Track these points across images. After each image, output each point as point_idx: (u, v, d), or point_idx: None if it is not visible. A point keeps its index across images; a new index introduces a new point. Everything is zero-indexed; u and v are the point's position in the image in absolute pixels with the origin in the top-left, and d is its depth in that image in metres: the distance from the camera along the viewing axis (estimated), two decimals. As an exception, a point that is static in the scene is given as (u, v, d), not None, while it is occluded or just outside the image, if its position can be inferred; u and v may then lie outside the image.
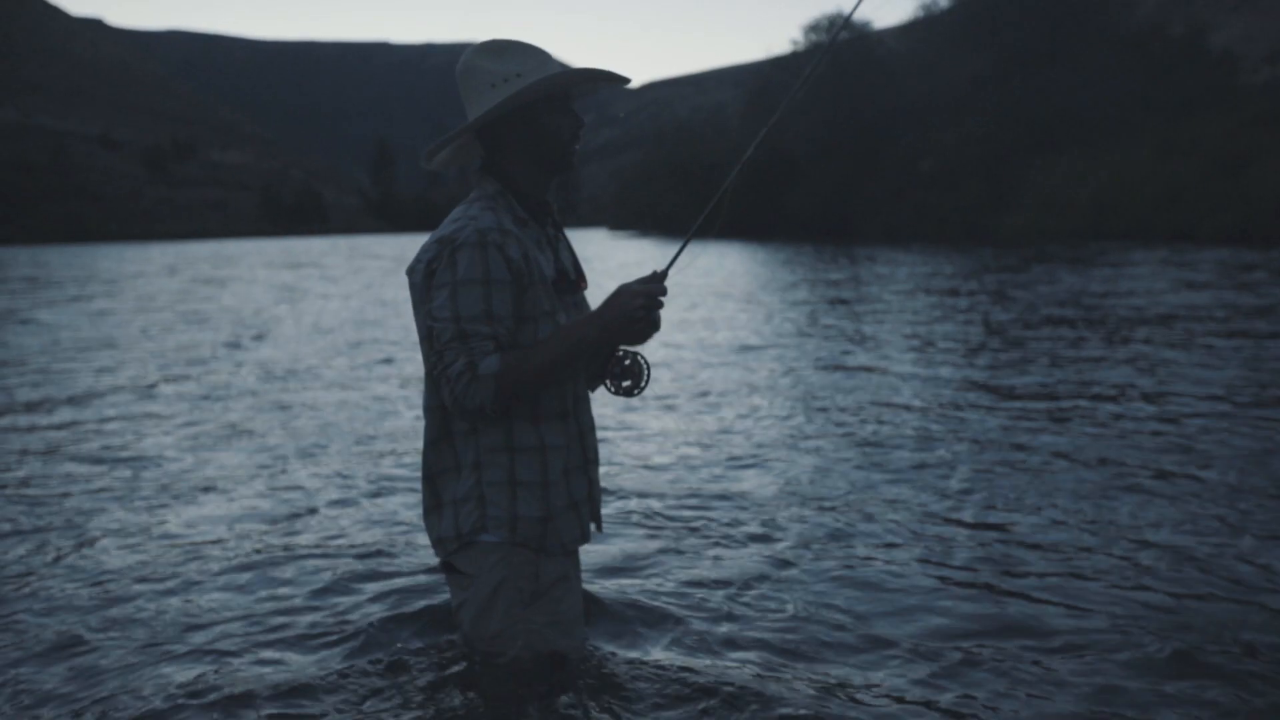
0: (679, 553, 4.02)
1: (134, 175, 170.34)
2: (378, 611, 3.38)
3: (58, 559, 4.09)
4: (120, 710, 2.75)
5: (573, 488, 2.46)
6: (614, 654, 2.98)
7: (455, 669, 2.74)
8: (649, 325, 2.35)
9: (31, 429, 6.89)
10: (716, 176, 61.92)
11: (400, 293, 17.62)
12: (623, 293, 2.32)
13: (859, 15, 54.18)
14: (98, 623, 3.37)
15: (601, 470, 5.58)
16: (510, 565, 2.39)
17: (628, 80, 2.50)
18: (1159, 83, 40.77)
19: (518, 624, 2.42)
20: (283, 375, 9.21)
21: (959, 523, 4.33)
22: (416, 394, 8.00)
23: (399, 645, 3.08)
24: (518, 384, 2.25)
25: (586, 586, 3.37)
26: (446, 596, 3.35)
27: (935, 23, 51.60)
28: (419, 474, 2.55)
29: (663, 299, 2.35)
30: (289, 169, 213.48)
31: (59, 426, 7.01)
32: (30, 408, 7.73)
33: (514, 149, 2.42)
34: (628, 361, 2.38)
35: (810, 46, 58.12)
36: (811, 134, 54.07)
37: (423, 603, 3.42)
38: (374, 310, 16.46)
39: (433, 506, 2.46)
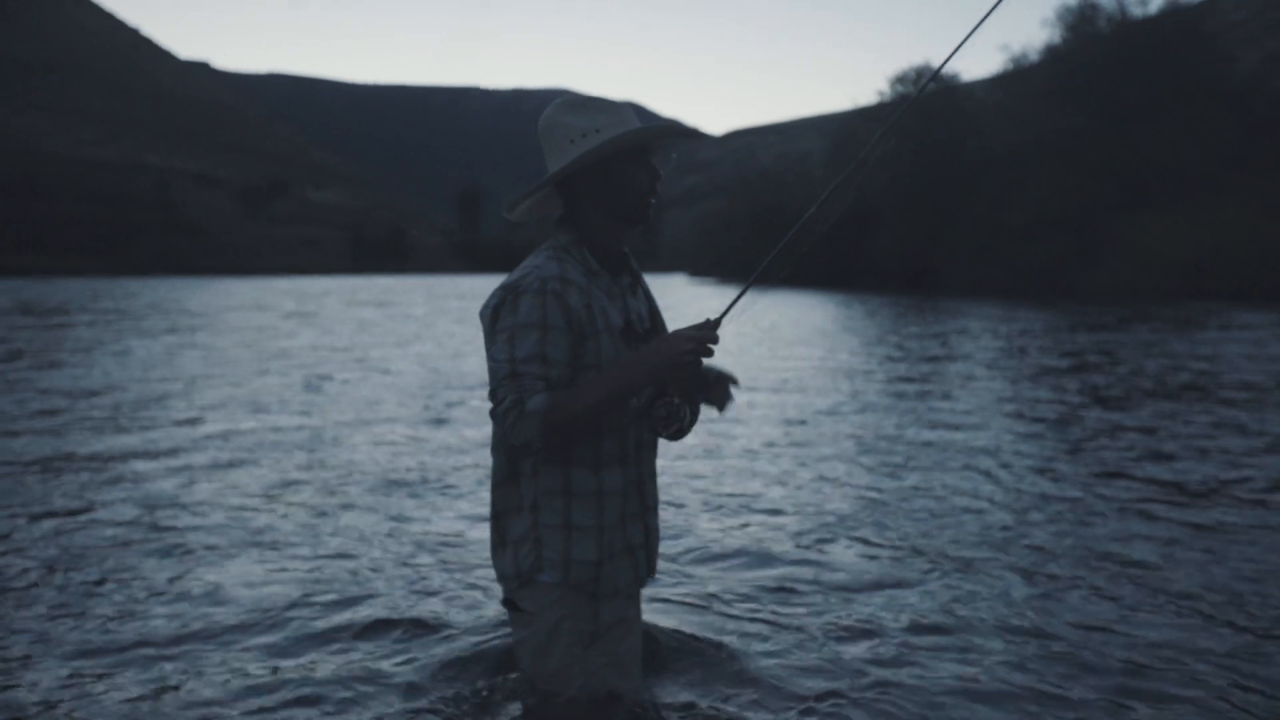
0: (749, 598, 3.91)
1: (232, 212, 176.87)
2: (441, 649, 3.42)
3: (108, 615, 4.13)
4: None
5: (629, 533, 2.49)
6: (674, 699, 2.99)
7: (515, 706, 2.76)
8: (696, 371, 2.38)
9: (83, 468, 6.89)
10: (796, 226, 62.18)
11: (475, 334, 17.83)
12: (672, 338, 2.34)
13: (947, 68, 53.87)
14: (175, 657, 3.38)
15: (670, 513, 5.62)
16: (569, 605, 2.44)
17: (703, 136, 2.62)
18: (1260, 139, 39.61)
19: (575, 664, 2.46)
20: (351, 422, 9.21)
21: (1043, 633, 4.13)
22: (477, 438, 8.03)
23: (462, 682, 3.12)
24: (564, 421, 2.28)
25: (650, 625, 3.40)
26: (507, 634, 3.40)
27: (1025, 75, 51.04)
28: (485, 514, 2.60)
29: (713, 346, 2.35)
30: (378, 209, 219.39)
31: (119, 458, 7.16)
32: (85, 451, 7.61)
33: (591, 201, 2.48)
34: (674, 403, 2.37)
35: (896, 98, 57.99)
36: (896, 184, 53.80)
37: (485, 641, 3.44)
38: (448, 355, 16.53)
39: (498, 544, 2.52)
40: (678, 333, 2.34)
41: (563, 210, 2.54)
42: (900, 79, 58.33)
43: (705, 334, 2.33)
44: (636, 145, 2.46)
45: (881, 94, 61.56)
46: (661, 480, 6.41)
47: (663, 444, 7.54)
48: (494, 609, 3.80)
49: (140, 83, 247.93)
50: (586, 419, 2.32)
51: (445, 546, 4.81)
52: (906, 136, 53.89)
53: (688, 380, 2.40)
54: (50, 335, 19.41)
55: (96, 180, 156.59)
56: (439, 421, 8.86)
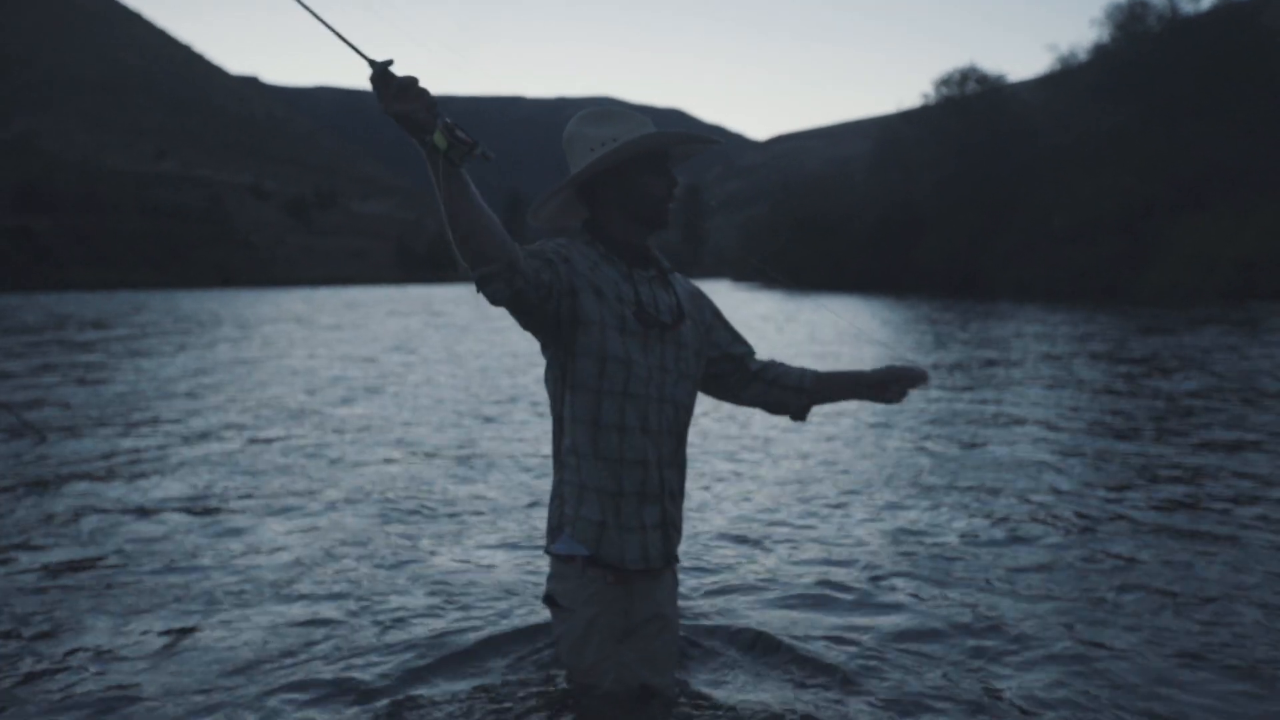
0: (802, 598, 3.87)
1: (280, 223, 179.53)
2: (473, 639, 3.49)
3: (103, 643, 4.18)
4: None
5: (645, 512, 2.57)
6: (707, 692, 3.05)
7: (554, 698, 2.86)
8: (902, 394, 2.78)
9: (93, 491, 6.26)
10: (841, 230, 61.39)
11: (522, 344, 17.80)
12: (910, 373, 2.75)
13: (992, 68, 53.18)
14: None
15: (719, 508, 5.58)
16: (602, 602, 2.55)
17: (717, 143, 2.72)
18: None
19: (609, 659, 2.58)
20: (394, 441, 9.27)
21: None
22: (508, 451, 8.04)
23: (499, 673, 3.20)
24: (443, 186, 2.24)
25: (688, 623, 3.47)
26: (537, 621, 3.54)
27: (1073, 75, 50.26)
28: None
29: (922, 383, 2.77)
30: (423, 219, 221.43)
31: (127, 477, 7.25)
32: (98, 464, 7.20)
33: (610, 206, 2.62)
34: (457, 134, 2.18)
35: (941, 99, 57.42)
36: (941, 187, 53.21)
37: (516, 627, 3.56)
38: (497, 366, 16.51)
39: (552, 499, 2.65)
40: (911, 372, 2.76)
41: (585, 217, 2.69)
42: (945, 81, 57.77)
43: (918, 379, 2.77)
44: (653, 151, 2.59)
45: (926, 96, 61.06)
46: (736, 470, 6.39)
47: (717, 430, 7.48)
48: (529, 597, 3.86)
49: (193, 98, 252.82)
50: (445, 183, 2.21)
51: (465, 563, 4.81)
52: (952, 139, 53.40)
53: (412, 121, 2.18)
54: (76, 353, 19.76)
55: (153, 194, 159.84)
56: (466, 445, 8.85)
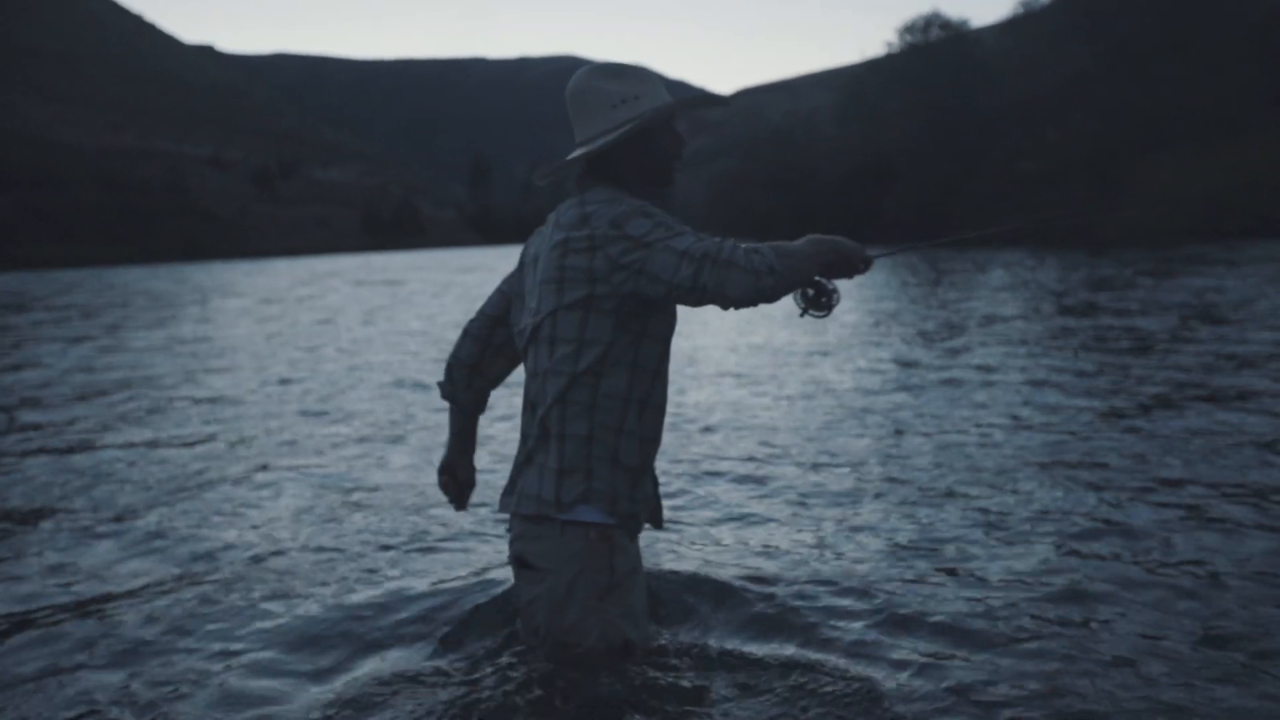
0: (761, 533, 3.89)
1: (243, 194, 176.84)
2: (446, 611, 3.44)
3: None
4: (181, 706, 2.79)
5: (649, 482, 2.67)
6: (684, 641, 3.08)
7: (530, 662, 2.80)
8: (851, 272, 2.60)
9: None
10: (810, 183, 61.33)
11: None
12: (854, 246, 2.57)
13: (957, 13, 53.03)
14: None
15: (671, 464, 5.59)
16: (585, 559, 2.53)
17: (729, 102, 2.81)
18: (1278, 74, 38.83)
19: (592, 614, 2.56)
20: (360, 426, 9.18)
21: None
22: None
23: (471, 643, 3.13)
24: (788, 256, 2.44)
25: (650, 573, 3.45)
26: (500, 591, 3.46)
27: (1036, 19, 50.13)
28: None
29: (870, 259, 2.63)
30: (389, 185, 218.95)
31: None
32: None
33: (624, 162, 2.58)
34: (830, 287, 2.59)
35: (905, 48, 57.14)
36: (908, 136, 53.14)
37: (485, 598, 3.48)
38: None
39: (543, 466, 2.57)
40: (854, 245, 2.57)
41: (585, 170, 2.62)
42: (909, 28, 57.47)
43: (869, 256, 2.60)
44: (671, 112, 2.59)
45: (890, 45, 60.70)
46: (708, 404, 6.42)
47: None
48: (468, 566, 3.84)
49: (147, 69, 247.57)
50: (800, 266, 2.46)
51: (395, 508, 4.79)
52: (918, 88, 53.24)
53: (840, 275, 2.57)
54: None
55: (111, 168, 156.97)
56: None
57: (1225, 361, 8.57)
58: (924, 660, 2.96)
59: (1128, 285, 17.29)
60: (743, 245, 2.41)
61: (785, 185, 61.98)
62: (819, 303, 2.59)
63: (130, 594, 3.88)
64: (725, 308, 2.43)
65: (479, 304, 2.92)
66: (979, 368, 9.04)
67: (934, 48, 55.44)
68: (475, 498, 4.79)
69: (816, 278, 2.56)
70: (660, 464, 5.29)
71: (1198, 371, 8.15)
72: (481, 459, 3.54)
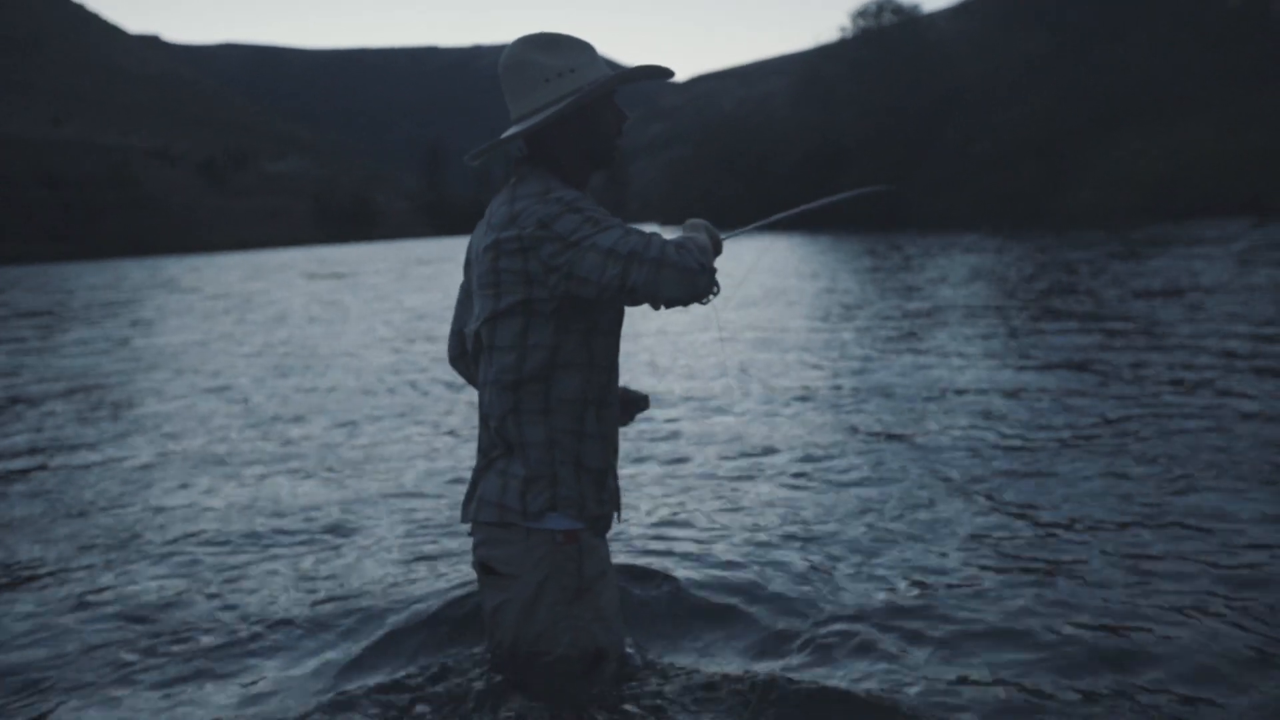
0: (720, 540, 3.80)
1: (192, 187, 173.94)
2: (408, 622, 3.32)
3: None
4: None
5: (612, 481, 2.53)
6: (655, 649, 3.00)
7: (498, 672, 2.67)
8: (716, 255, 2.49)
9: None
10: (766, 168, 61.55)
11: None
12: (712, 228, 2.52)
13: (908, -1, 53.40)
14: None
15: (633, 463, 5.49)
16: (553, 563, 2.41)
17: (672, 74, 2.51)
18: (1221, 54, 39.50)
19: (562, 620, 2.44)
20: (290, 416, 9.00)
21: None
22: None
23: (437, 654, 3.03)
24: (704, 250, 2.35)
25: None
26: (459, 596, 3.37)
27: (988, 3, 50.53)
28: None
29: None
30: (341, 176, 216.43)
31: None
32: None
33: (562, 142, 2.42)
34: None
35: (859, 33, 57.35)
36: (862, 121, 53.39)
37: (441, 604, 3.38)
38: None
39: (499, 479, 2.44)
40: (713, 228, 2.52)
41: (524, 150, 2.44)
42: (862, 13, 57.68)
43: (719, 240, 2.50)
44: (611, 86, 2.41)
45: (844, 29, 60.87)
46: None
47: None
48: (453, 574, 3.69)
49: (90, 60, 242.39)
50: (711, 262, 2.33)
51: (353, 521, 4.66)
52: (871, 72, 53.49)
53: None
54: None
55: (52, 162, 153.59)
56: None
57: None
58: (891, 665, 2.89)
59: (1099, 270, 17.46)
60: (670, 240, 2.25)
61: (740, 171, 62.11)
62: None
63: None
64: (656, 308, 2.27)
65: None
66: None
67: (887, 32, 55.74)
68: (435, 507, 4.64)
69: None
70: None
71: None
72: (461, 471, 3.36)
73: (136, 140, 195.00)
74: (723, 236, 2.50)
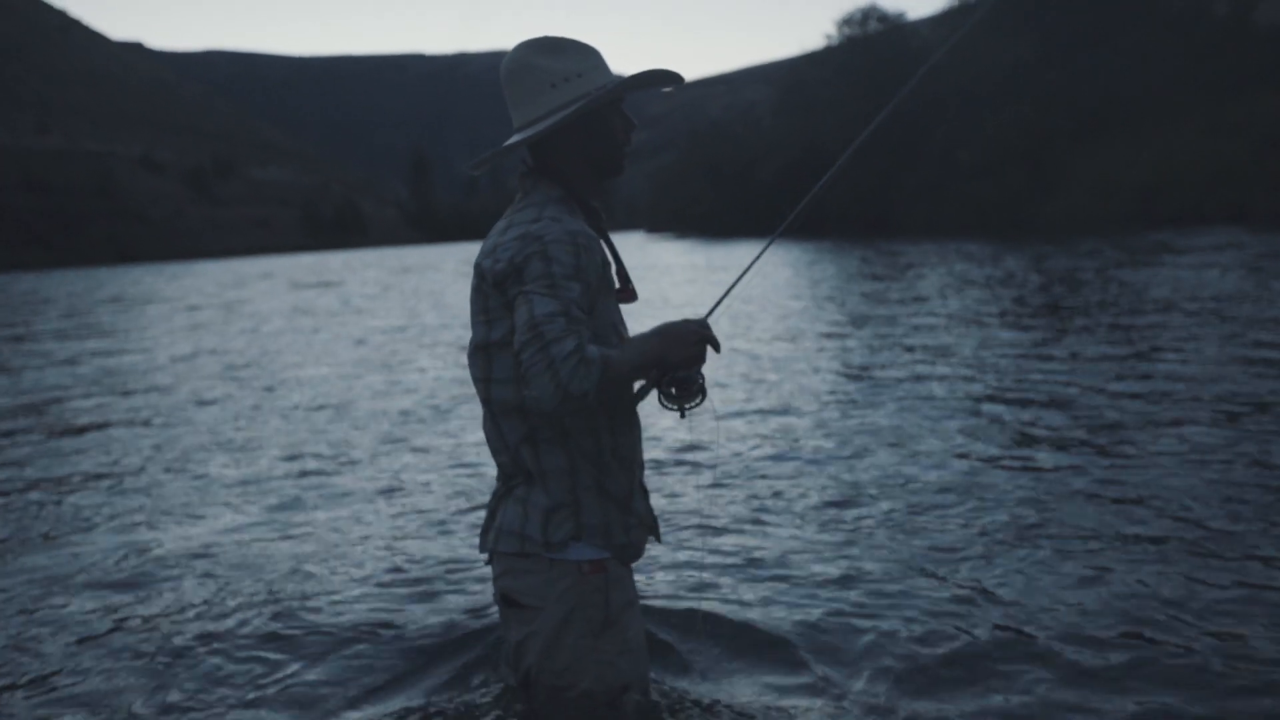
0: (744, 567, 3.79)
1: (177, 195, 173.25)
2: (433, 654, 3.24)
3: None
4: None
5: (642, 505, 2.44)
6: (679, 681, 2.93)
7: (520, 707, 2.59)
8: (701, 356, 2.26)
9: None
10: (752, 175, 61.71)
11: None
12: (683, 326, 2.25)
13: (893, 6, 53.48)
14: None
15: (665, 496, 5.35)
16: (578, 595, 2.31)
17: (683, 79, 2.38)
18: (1205, 62, 39.81)
19: (588, 655, 2.32)
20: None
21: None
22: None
23: (456, 688, 2.96)
24: (614, 378, 2.13)
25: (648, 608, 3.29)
26: (478, 628, 3.31)
27: (971, 10, 50.78)
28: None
29: (710, 335, 2.28)
30: (328, 183, 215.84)
31: None
32: None
33: (568, 151, 2.32)
34: (686, 376, 2.25)
35: (844, 40, 57.57)
36: (847, 128, 53.46)
37: (471, 642, 3.29)
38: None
39: (516, 509, 2.34)
40: (687, 323, 2.24)
41: (530, 160, 2.36)
42: (847, 21, 57.89)
43: (706, 332, 2.25)
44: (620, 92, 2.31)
45: (829, 37, 61.09)
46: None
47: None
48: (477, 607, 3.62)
49: (73, 66, 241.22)
50: (625, 380, 2.20)
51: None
52: (855, 79, 53.68)
53: (692, 360, 2.26)
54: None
55: (35, 170, 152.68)
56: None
57: None
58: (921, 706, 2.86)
59: (1102, 276, 17.50)
60: (592, 350, 2.09)
61: (726, 179, 62.22)
62: (687, 396, 2.24)
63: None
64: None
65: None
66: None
67: (872, 40, 55.92)
68: (446, 539, 4.62)
69: (679, 373, 2.23)
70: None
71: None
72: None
73: (121, 147, 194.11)
74: (702, 317, 2.32)
